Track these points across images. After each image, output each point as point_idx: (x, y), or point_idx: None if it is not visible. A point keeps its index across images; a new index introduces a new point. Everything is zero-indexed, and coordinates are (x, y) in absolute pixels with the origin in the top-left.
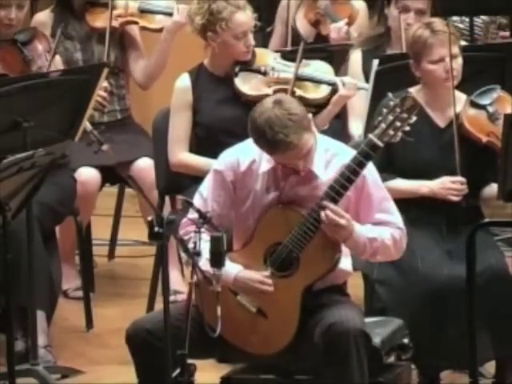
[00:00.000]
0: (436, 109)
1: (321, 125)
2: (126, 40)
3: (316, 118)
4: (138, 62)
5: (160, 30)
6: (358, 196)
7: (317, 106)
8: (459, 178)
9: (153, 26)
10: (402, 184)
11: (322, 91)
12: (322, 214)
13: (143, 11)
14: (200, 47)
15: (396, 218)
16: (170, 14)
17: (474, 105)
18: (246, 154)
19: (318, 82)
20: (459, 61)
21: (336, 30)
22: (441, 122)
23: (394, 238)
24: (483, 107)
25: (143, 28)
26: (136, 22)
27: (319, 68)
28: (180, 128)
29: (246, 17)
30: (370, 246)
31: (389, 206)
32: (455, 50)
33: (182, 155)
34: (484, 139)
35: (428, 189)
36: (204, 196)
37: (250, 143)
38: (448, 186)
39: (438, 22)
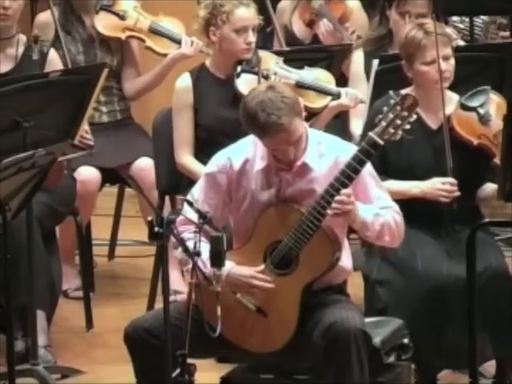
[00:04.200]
0: (428, 110)
1: (316, 128)
2: (124, 49)
3: (312, 122)
4: (130, 80)
5: (164, 55)
6: (355, 181)
7: (313, 114)
8: (450, 180)
9: (158, 49)
10: (393, 185)
11: (323, 101)
12: (333, 203)
13: (153, 31)
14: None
15: (394, 204)
16: (177, 42)
17: (464, 107)
18: (238, 155)
19: (323, 92)
20: (451, 62)
21: (321, 31)
22: (433, 124)
23: (395, 219)
24: (474, 109)
25: (148, 48)
26: (143, 40)
27: (321, 77)
28: (183, 129)
29: (248, 12)
30: (377, 223)
31: (385, 193)
32: (448, 51)
33: (185, 159)
34: (475, 142)
35: (419, 190)
36: (195, 197)
37: (241, 143)
38: (438, 186)
39: (431, 23)
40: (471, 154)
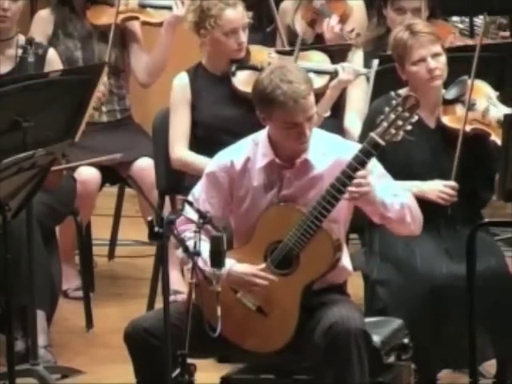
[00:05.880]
0: (425, 110)
1: (322, 112)
2: (127, 36)
3: (317, 107)
4: (139, 57)
5: (161, 24)
6: None
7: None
8: (452, 183)
9: (153, 20)
10: None
11: (322, 80)
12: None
13: (143, 6)
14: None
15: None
16: (170, 9)
17: (447, 102)
18: (238, 154)
19: (318, 72)
20: (442, 60)
21: (329, 29)
22: (431, 123)
23: (413, 201)
24: (456, 100)
25: (144, 23)
26: (137, 18)
27: (315, 58)
28: (180, 124)
29: (235, 14)
30: (396, 203)
31: (394, 183)
32: (436, 49)
33: (182, 152)
34: (468, 128)
35: (418, 189)
36: (196, 196)
37: (241, 143)
38: (439, 188)
39: (418, 24)
40: (469, 146)
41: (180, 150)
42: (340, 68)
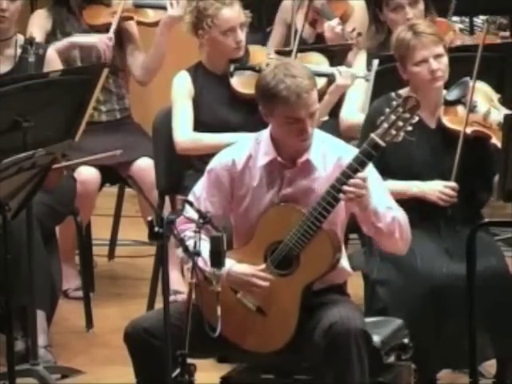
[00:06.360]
0: (426, 110)
1: (320, 116)
2: (123, 36)
3: None
4: (135, 56)
5: (156, 24)
6: None
7: None
8: (452, 184)
9: (148, 20)
10: (392, 184)
11: (319, 82)
12: (344, 192)
13: (138, 6)
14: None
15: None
16: (164, 8)
17: (448, 103)
18: (240, 153)
19: (315, 74)
20: (444, 61)
21: (329, 28)
22: (431, 123)
23: (404, 219)
24: (458, 101)
25: (139, 23)
26: (131, 18)
27: (313, 59)
28: (183, 112)
29: (232, 13)
30: (388, 215)
31: (389, 196)
32: (439, 50)
33: (188, 133)
34: (468, 130)
35: (418, 189)
36: (197, 195)
37: (242, 142)
38: (439, 189)
39: (421, 24)
40: (470, 147)
41: (185, 131)
42: (337, 72)
